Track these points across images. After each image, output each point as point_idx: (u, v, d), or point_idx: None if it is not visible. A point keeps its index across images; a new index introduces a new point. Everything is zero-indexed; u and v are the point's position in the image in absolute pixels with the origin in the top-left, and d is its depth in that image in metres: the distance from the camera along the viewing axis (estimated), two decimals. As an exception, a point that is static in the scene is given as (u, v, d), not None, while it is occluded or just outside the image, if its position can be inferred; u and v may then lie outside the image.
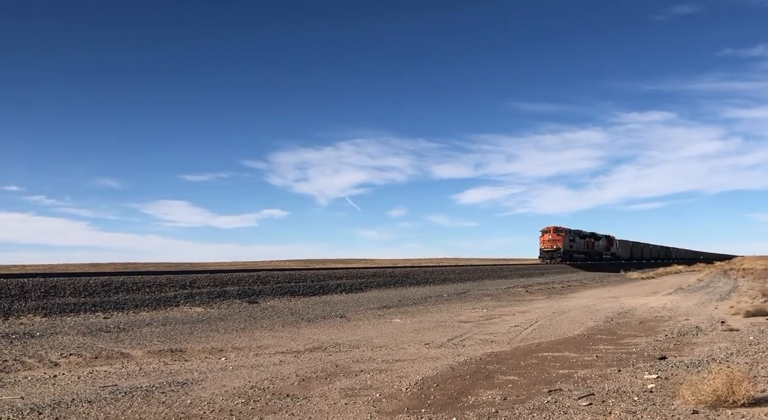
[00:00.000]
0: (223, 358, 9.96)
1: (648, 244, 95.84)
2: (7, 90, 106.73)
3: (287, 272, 26.19)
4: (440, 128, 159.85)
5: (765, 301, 17.69)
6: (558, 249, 57.46)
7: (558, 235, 58.23)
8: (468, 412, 6.07)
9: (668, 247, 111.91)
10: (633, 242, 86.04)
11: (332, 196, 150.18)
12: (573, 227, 63.05)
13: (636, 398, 6.35)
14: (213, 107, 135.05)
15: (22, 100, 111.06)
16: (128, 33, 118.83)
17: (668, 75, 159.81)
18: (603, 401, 6.29)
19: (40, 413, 6.23)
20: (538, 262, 59.12)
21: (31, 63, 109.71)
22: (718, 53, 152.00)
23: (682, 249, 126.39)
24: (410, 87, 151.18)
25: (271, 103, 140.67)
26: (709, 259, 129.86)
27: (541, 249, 58.71)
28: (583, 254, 63.27)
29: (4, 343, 10.97)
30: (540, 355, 9.66)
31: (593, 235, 68.11)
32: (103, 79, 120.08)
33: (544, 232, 59.17)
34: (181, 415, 6.17)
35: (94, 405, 6.56)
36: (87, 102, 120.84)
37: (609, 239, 74.24)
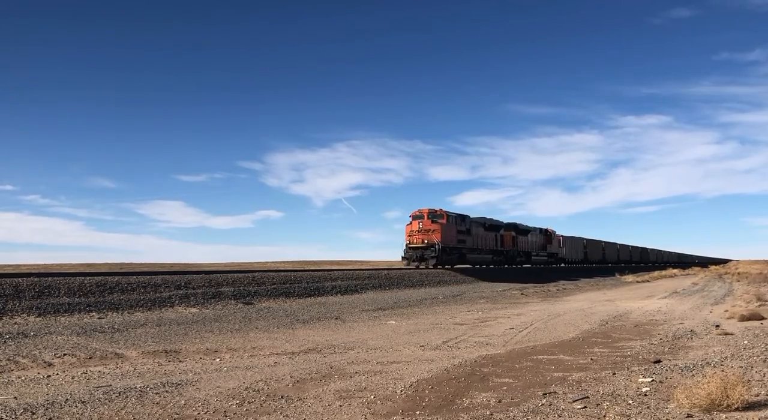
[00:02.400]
0: (218, 359, 9.94)
1: (614, 244, 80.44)
2: (2, 89, 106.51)
3: (282, 273, 26.15)
4: (437, 130, 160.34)
5: (760, 306, 17.75)
6: (432, 245, 36.42)
7: (434, 222, 36.87)
8: (462, 415, 6.06)
9: (645, 249, 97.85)
10: (588, 240, 69.62)
11: (328, 197, 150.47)
12: (476, 214, 44.58)
13: (630, 401, 6.35)
14: (209, 107, 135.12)
15: (18, 99, 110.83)
16: (124, 32, 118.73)
17: (665, 78, 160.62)
18: (597, 404, 6.29)
19: (34, 413, 6.20)
20: (402, 264, 38.53)
21: (27, 62, 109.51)
22: (715, 57, 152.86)
23: (665, 251, 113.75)
24: (407, 89, 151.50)
25: (268, 103, 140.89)
26: (698, 262, 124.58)
27: (406, 245, 37.43)
28: (492, 254, 44.60)
29: (-2, 342, 10.92)
30: (535, 357, 9.66)
31: (514, 227, 49.47)
32: (98, 79, 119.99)
33: (414, 217, 37.66)
34: (175, 416, 6.15)
35: (87, 405, 6.54)
36: (83, 101, 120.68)
37: (547, 234, 56.22)
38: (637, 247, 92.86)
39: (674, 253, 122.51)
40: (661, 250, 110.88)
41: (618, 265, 76.73)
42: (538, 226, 55.22)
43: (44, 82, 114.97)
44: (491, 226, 45.48)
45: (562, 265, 60.21)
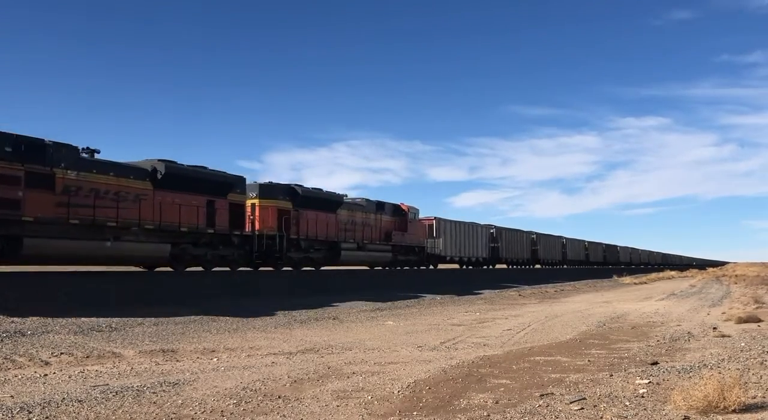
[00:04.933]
0: (215, 359, 9.93)
1: (556, 237, 59.91)
2: (1, 87, 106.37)
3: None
4: (436, 131, 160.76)
5: (757, 308, 17.78)
6: None
7: None
8: (460, 416, 6.06)
9: (613, 246, 79.22)
10: (502, 229, 46.87)
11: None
12: None
13: (627, 403, 6.36)
14: (209, 107, 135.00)
15: (16, 96, 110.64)
16: (124, 31, 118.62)
17: (665, 80, 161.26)
18: (594, 406, 6.30)
19: (30, 412, 6.19)
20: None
21: (28, 60, 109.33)
22: (715, 59, 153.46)
23: (643, 250, 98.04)
24: (406, 89, 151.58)
25: (267, 103, 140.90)
26: (688, 265, 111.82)
27: None
28: (182, 240, 19.85)
29: (-5, 341, 10.88)
30: (532, 359, 9.67)
31: (290, 192, 25.16)
32: (99, 76, 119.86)
33: None
34: (172, 416, 6.14)
35: (84, 404, 6.52)
36: (80, 100, 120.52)
37: (398, 214, 32.61)
38: (599, 244, 73.86)
39: (658, 253, 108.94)
40: (638, 249, 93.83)
41: (560, 266, 58.89)
42: (375, 199, 31.35)
43: (44, 80, 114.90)
44: (186, 179, 20.26)
45: (446, 266, 38.86)
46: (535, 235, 53.93)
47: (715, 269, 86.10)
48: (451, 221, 39.06)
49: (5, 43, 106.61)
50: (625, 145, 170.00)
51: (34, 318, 13.64)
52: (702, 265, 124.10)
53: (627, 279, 48.28)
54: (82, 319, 14.13)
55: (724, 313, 16.97)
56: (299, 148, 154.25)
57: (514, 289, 32.92)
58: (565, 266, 60.26)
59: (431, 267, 37.00)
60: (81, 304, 15.11)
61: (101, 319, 14.19)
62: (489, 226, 45.18)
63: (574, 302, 24.15)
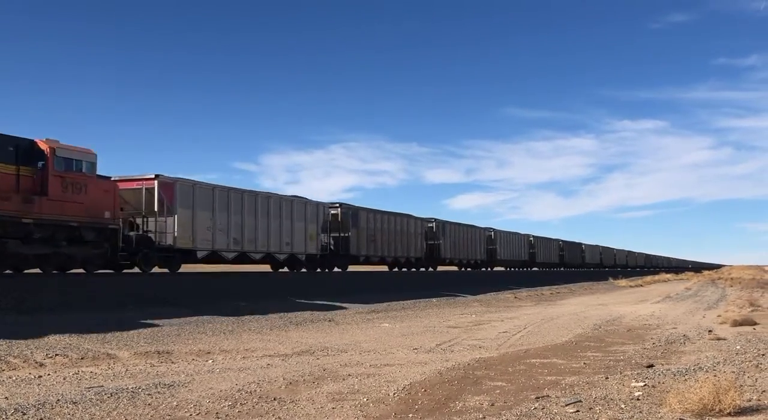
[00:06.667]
0: (210, 361, 9.90)
1: (486, 230, 44.56)
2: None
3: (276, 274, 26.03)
4: (432, 133, 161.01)
5: (752, 311, 17.82)
6: None
7: None
8: (455, 418, 6.06)
9: (577, 244, 65.02)
10: (377, 212, 31.42)
11: (323, 199, 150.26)
12: None
13: (623, 406, 6.37)
14: (205, 109, 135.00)
15: (15, 98, 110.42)
16: (124, 34, 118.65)
17: (662, 83, 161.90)
18: (590, 408, 6.30)
19: (25, 414, 6.16)
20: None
21: (27, 61, 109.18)
22: (712, 62, 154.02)
23: (621, 250, 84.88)
24: (403, 91, 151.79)
25: (264, 105, 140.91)
26: (676, 268, 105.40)
27: None
28: None
29: (-11, 342, 10.82)
30: (528, 361, 9.67)
31: None
32: (96, 77, 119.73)
33: None
34: (167, 417, 6.12)
35: (79, 406, 6.50)
36: (78, 100, 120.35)
37: (25, 163, 15.06)
38: (554, 241, 58.62)
39: (640, 253, 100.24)
40: (611, 249, 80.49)
41: (485, 269, 43.64)
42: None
43: (45, 80, 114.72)
44: None
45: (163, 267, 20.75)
46: (434, 223, 36.90)
47: (710, 272, 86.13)
48: (209, 186, 21.62)
49: (5, 45, 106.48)
50: (622, 147, 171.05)
51: (29, 318, 13.58)
52: (697, 267, 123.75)
53: (623, 282, 48.49)
54: (77, 319, 14.07)
55: (719, 315, 17.00)
56: (296, 150, 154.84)
57: (509, 291, 32.94)
58: (499, 268, 46.35)
59: (160, 269, 20.70)
60: (77, 305, 15.10)
61: (98, 320, 14.13)
62: (332, 205, 29.13)
63: (570, 305, 24.17)
